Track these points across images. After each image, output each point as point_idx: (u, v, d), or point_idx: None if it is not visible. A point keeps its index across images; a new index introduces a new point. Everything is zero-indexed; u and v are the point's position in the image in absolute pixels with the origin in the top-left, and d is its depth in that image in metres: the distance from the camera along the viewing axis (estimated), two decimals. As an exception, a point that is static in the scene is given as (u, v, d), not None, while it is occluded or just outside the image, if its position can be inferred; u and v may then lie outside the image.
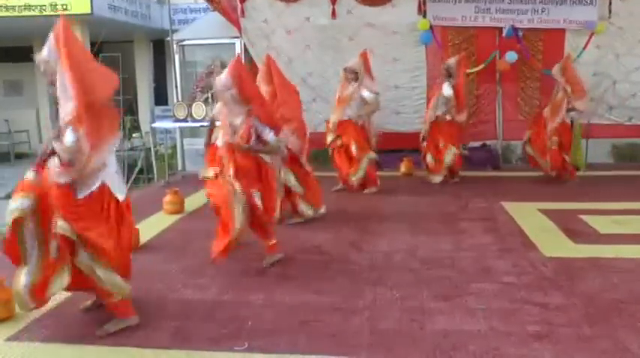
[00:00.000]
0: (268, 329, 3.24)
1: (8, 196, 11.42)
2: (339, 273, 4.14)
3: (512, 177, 7.99)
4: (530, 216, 5.63)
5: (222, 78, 4.16)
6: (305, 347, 3.03)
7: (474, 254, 4.53)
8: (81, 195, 3.06)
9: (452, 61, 7.22)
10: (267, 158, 4.24)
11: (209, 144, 4.77)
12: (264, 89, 5.17)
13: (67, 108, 2.99)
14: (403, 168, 8.01)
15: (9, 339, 3.16)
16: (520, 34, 8.07)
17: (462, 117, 7.27)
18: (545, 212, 5.73)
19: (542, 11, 8.09)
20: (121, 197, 3.21)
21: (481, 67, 8.28)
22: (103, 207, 3.15)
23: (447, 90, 7.07)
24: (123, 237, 3.24)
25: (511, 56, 8.04)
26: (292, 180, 5.30)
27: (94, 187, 3.09)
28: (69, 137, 2.96)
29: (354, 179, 6.72)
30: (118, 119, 3.28)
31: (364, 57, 6.73)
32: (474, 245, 4.78)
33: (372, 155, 6.80)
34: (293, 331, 3.20)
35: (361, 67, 6.64)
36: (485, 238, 4.98)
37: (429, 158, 7.33)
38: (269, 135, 4.17)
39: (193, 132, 8.75)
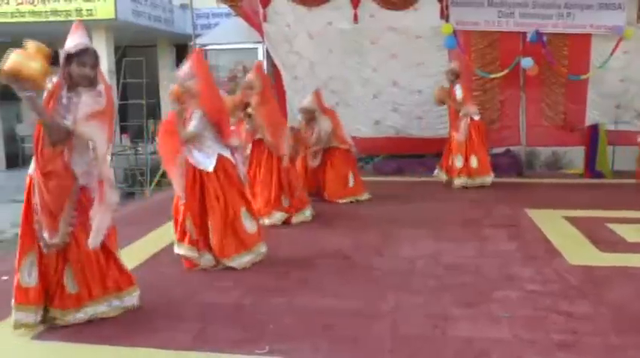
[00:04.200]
0: (289, 333, 3.22)
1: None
2: (361, 278, 4.11)
3: (536, 183, 7.89)
4: (554, 224, 5.53)
5: (186, 68, 4.28)
6: (326, 351, 3.00)
7: (497, 261, 4.46)
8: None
9: (455, 63, 7.29)
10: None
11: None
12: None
13: None
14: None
15: (34, 338, 3.19)
16: (544, 39, 7.98)
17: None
18: (570, 219, 5.63)
19: (568, 16, 7.99)
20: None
21: (505, 72, 8.20)
22: None
23: (458, 93, 7.15)
24: None
25: (526, 62, 7.95)
26: None
27: None
28: None
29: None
30: None
31: (317, 95, 6.58)
32: (498, 252, 4.72)
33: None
34: (314, 335, 3.17)
35: (316, 106, 6.50)
36: (509, 245, 4.91)
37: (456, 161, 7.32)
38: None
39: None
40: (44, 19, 11.72)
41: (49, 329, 3.27)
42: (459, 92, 7.18)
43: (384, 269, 4.30)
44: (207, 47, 9.13)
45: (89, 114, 3.14)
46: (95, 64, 3.23)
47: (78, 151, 3.21)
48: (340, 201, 6.56)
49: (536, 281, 4.00)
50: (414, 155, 8.68)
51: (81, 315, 3.29)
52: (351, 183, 6.65)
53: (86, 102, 3.15)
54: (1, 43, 13.74)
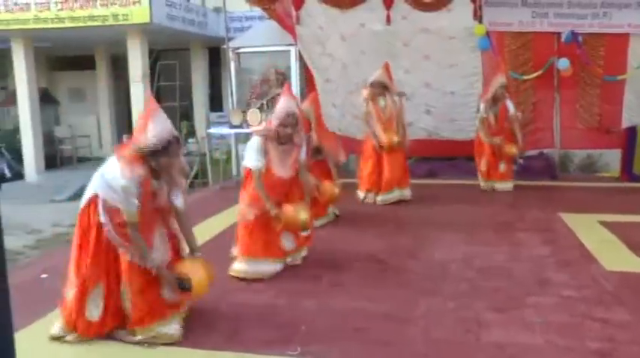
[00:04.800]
0: (321, 334, 3.25)
1: (71, 198, 11.90)
2: (394, 281, 4.12)
3: (570, 187, 7.76)
4: (589, 228, 5.44)
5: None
6: (358, 354, 3.02)
7: (530, 265, 4.42)
8: None
9: (501, 79, 7.14)
10: None
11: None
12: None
13: None
14: None
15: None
16: (580, 39, 7.83)
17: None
18: (605, 224, 5.53)
19: (604, 15, 7.81)
20: None
21: (538, 73, 8.08)
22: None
23: (511, 108, 7.13)
24: None
25: (562, 63, 7.80)
26: None
27: None
28: None
29: (380, 200, 6.61)
30: None
31: (387, 68, 6.64)
32: (531, 256, 4.66)
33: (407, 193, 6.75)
34: (346, 338, 3.20)
35: (387, 79, 6.53)
36: (542, 250, 4.84)
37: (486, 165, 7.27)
38: None
39: (248, 139, 8.87)
40: (82, 24, 12.00)
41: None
42: (512, 107, 7.12)
43: (416, 272, 4.30)
44: (239, 50, 9.21)
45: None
46: (178, 153, 3.23)
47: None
48: (389, 196, 6.57)
49: (570, 286, 3.94)
50: (446, 157, 8.61)
51: (173, 326, 3.22)
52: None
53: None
54: (43, 48, 14.17)
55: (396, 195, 6.62)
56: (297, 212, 4.16)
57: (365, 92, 6.56)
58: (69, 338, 3.18)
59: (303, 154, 4.38)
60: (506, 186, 7.27)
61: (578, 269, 4.31)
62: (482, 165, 7.33)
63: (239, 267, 4.21)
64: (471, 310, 3.55)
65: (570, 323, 3.34)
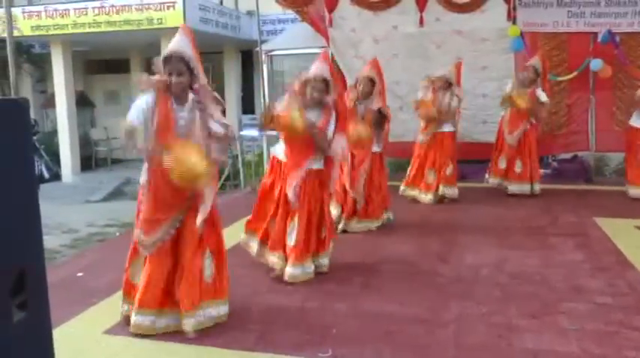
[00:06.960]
0: (353, 337, 3.24)
1: (105, 199, 12.15)
2: (425, 285, 4.09)
3: (606, 191, 7.58)
4: (626, 233, 5.31)
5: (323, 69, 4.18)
6: (389, 357, 3.01)
7: (564, 271, 4.33)
8: None
9: (536, 61, 6.96)
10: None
11: None
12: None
13: None
14: None
15: (106, 332, 3.34)
16: (617, 39, 7.65)
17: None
18: (643, 229, 5.41)
19: (645, 13, 7.62)
20: None
21: (574, 74, 7.93)
22: None
23: (543, 96, 6.85)
24: None
25: (595, 64, 7.63)
26: None
27: None
28: None
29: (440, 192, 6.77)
30: None
31: (458, 68, 6.71)
32: (565, 261, 4.57)
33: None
34: (377, 341, 3.19)
35: (454, 77, 6.61)
36: (576, 255, 4.75)
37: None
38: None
39: (279, 141, 8.93)
40: (118, 29, 12.24)
41: (120, 323, 3.39)
42: (543, 95, 6.86)
43: (447, 276, 4.27)
44: (272, 53, 9.27)
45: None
46: (180, 71, 3.09)
47: None
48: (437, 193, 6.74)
49: (606, 293, 3.86)
50: (477, 160, 8.51)
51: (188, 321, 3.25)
52: (449, 171, 6.78)
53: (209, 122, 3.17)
54: (80, 52, 14.51)
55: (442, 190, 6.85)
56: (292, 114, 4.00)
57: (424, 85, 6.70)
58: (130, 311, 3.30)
59: (332, 121, 4.20)
60: (523, 188, 7.08)
61: (615, 275, 4.21)
62: (501, 162, 7.21)
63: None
64: (503, 315, 3.51)
65: (606, 332, 3.27)
